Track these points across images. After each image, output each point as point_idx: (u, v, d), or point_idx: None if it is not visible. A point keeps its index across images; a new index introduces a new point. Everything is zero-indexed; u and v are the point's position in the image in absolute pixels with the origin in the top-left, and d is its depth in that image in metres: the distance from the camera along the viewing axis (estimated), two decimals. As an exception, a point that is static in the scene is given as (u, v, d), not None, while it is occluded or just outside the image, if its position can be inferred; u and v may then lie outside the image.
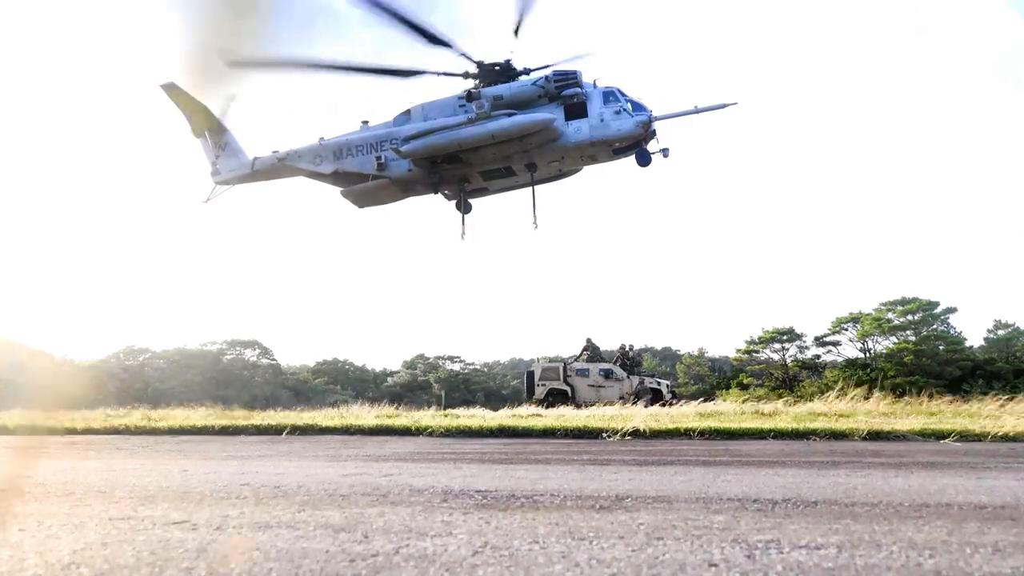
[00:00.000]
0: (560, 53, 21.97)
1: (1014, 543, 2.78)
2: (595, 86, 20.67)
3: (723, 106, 20.10)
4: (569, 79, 20.49)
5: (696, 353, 68.68)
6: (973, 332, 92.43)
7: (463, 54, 20.35)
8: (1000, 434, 9.65)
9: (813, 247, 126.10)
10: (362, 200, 23.07)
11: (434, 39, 19.31)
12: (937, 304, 48.62)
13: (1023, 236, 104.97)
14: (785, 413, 15.54)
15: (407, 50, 19.32)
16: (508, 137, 20.28)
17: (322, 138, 23.02)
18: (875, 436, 9.78)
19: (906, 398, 20.70)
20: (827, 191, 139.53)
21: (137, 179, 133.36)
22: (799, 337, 52.11)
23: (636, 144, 20.51)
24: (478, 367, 75.97)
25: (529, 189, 22.52)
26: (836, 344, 51.97)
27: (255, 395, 54.19)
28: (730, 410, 17.21)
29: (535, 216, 21.95)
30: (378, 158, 21.92)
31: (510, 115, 20.36)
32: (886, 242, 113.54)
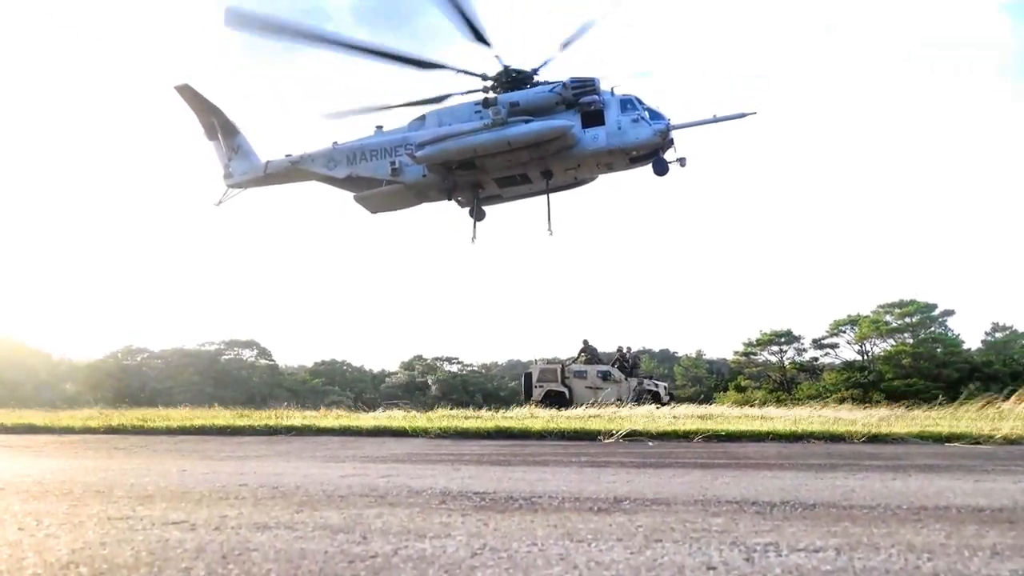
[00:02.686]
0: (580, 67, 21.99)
1: (1012, 546, 2.79)
2: (613, 93, 20.39)
3: (742, 115, 19.85)
4: (587, 86, 20.22)
5: (694, 355, 68.66)
6: (971, 334, 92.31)
7: (497, 56, 20.27)
8: (998, 437, 9.66)
9: (811, 249, 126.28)
10: (375, 205, 22.84)
11: (479, 35, 19.21)
12: (935, 306, 48.70)
13: (1021, 238, 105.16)
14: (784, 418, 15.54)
15: (400, 45, 19.24)
16: (524, 144, 20.00)
17: (336, 142, 22.72)
18: (873, 439, 9.78)
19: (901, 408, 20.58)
20: (825, 193, 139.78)
21: (136, 180, 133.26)
22: (797, 339, 52.17)
23: (653, 153, 20.23)
24: (476, 368, 75.96)
25: (538, 195, 22.42)
26: (834, 346, 52.03)
27: (252, 395, 54.12)
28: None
29: (550, 224, 21.76)
30: (392, 163, 21.64)
31: (527, 122, 20.07)
32: (884, 244, 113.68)
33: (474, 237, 22.55)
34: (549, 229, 21.71)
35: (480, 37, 19.14)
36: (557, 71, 21.10)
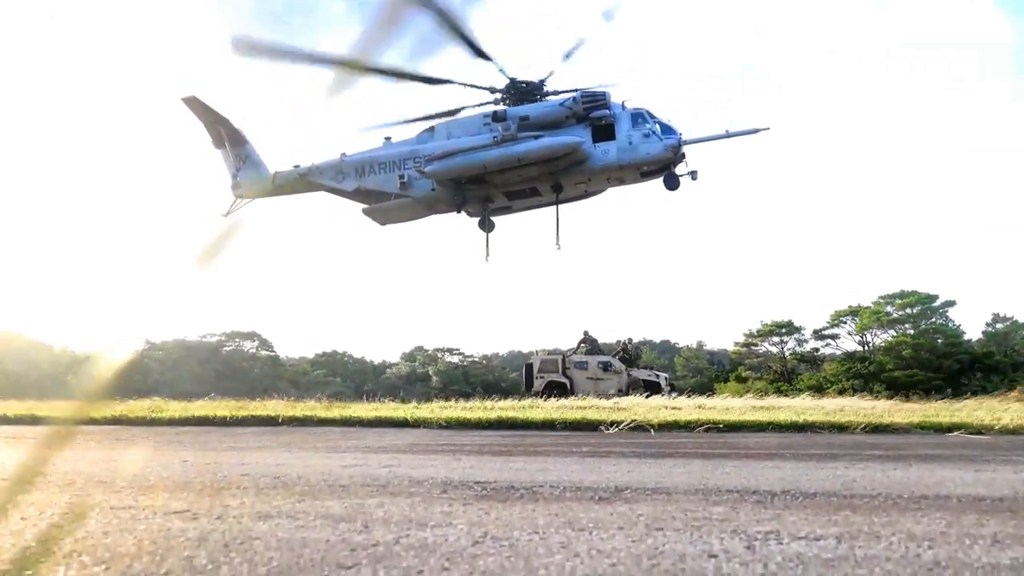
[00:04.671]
0: (590, 79, 22.03)
1: (1013, 535, 2.79)
2: (624, 107, 20.17)
3: (755, 131, 19.64)
4: (597, 100, 20.02)
5: (695, 346, 68.79)
6: (972, 325, 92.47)
7: (501, 70, 20.13)
8: (999, 427, 9.68)
9: (812, 240, 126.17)
10: (384, 218, 22.67)
11: (479, 52, 19.21)
12: (936, 297, 48.68)
13: (1022, 229, 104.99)
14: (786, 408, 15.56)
15: (394, 48, 19.15)
16: (535, 160, 19.82)
17: (344, 154, 22.52)
18: (874, 429, 9.80)
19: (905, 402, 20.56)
20: (826, 184, 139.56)
21: (138, 174, 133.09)
22: (798, 330, 52.22)
23: (665, 167, 20.04)
24: (477, 359, 76.09)
25: (547, 207, 22.24)
26: (835, 337, 52.10)
27: (254, 387, 54.20)
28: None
29: (558, 238, 21.56)
30: (401, 176, 21.43)
31: (537, 137, 19.87)
32: (885, 235, 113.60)
33: (487, 254, 22.39)
34: (557, 244, 21.56)
35: (481, 54, 19.11)
36: (561, 81, 20.91)
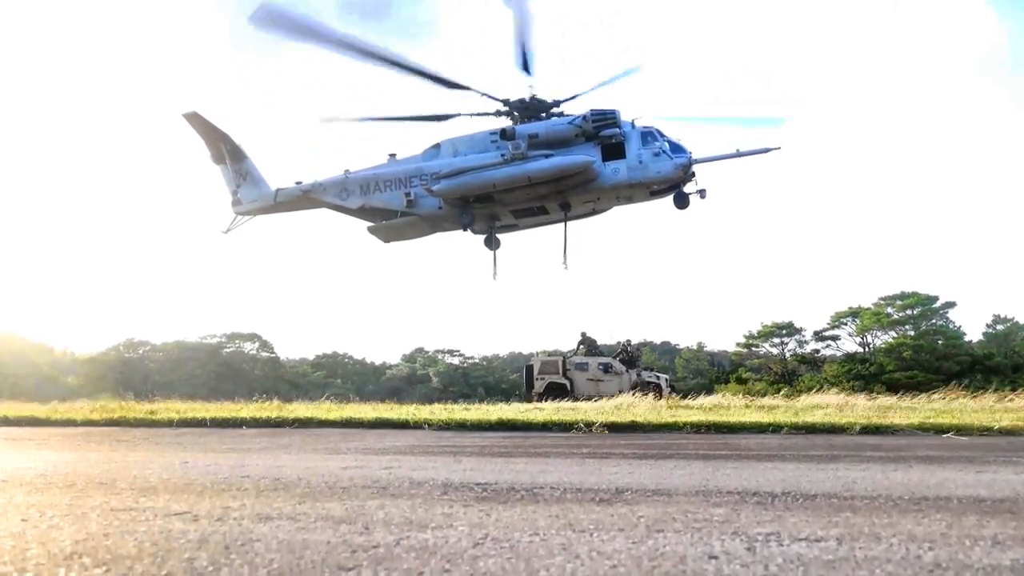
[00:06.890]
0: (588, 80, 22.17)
1: (1013, 536, 2.79)
2: (633, 126, 20.06)
3: (766, 150, 19.60)
4: (607, 118, 19.90)
5: (695, 347, 68.79)
6: (972, 327, 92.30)
7: (485, 94, 19.98)
8: (998, 428, 9.68)
9: (813, 241, 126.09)
10: (390, 236, 22.55)
11: (452, 84, 19.23)
12: (936, 299, 48.68)
13: (1022, 230, 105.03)
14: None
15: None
16: (545, 179, 19.70)
17: (348, 171, 22.31)
18: (874, 430, 9.80)
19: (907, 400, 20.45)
20: (826, 185, 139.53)
21: (138, 177, 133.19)
22: (798, 331, 52.19)
23: (674, 186, 19.96)
24: (477, 361, 76.10)
25: (554, 224, 22.11)
26: (835, 339, 52.08)
27: (254, 388, 54.15)
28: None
29: (565, 257, 21.45)
30: (407, 194, 21.24)
31: (547, 156, 19.74)
32: (886, 236, 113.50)
33: (495, 273, 22.24)
34: (564, 263, 21.42)
35: (454, 84, 19.15)
36: (580, 106, 20.95)
